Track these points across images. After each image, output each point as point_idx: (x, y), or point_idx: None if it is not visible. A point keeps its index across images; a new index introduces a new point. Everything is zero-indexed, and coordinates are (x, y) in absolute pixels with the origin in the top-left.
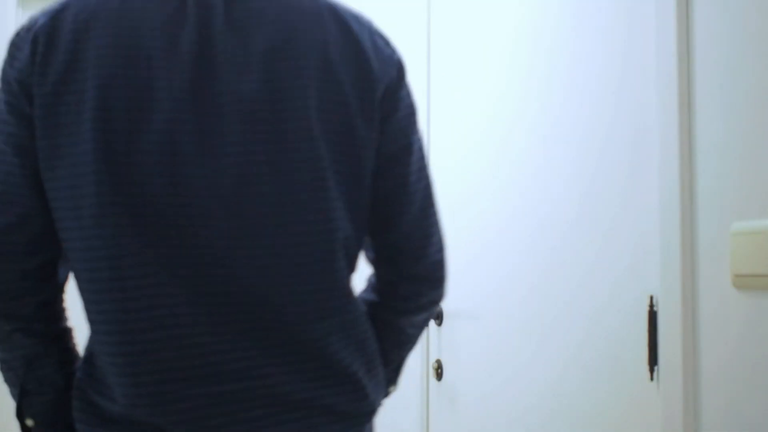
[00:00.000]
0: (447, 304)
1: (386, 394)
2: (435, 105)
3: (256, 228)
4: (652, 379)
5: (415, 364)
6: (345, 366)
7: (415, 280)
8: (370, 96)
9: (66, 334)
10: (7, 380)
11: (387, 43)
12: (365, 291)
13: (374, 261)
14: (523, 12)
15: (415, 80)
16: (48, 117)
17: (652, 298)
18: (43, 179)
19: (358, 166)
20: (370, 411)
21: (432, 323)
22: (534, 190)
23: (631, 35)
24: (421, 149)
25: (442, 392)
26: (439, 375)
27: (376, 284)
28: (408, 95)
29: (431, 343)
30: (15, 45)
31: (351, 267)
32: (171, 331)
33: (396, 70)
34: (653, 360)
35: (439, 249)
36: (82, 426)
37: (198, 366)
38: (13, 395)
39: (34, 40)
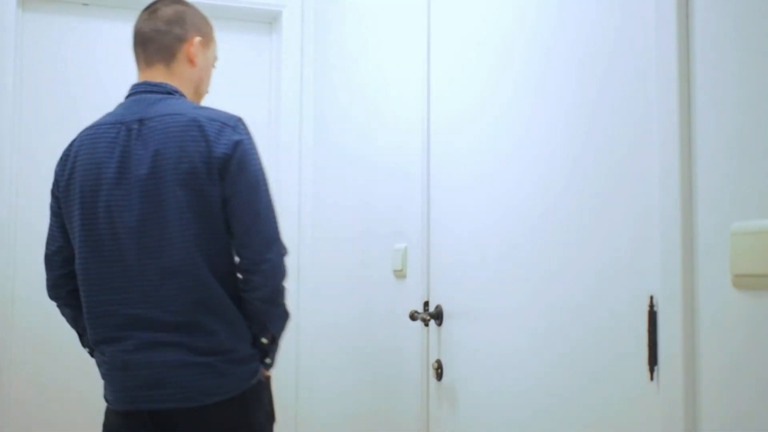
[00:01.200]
0: (447, 304)
1: (261, 342)
2: (434, 106)
3: (148, 248)
4: (652, 379)
5: (415, 364)
6: (207, 325)
7: (245, 272)
8: (211, 167)
9: None
10: (72, 327)
11: (234, 130)
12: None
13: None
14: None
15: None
16: (65, 199)
17: (652, 298)
18: (67, 229)
19: (207, 207)
20: (223, 350)
21: (432, 323)
22: (534, 190)
23: (630, 35)
24: (249, 192)
25: (442, 392)
26: (439, 375)
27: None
28: (238, 161)
29: (431, 343)
30: (59, 162)
31: (216, 268)
32: (111, 297)
33: (231, 148)
34: (653, 360)
35: (257, 253)
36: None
37: (122, 325)
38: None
39: (62, 159)
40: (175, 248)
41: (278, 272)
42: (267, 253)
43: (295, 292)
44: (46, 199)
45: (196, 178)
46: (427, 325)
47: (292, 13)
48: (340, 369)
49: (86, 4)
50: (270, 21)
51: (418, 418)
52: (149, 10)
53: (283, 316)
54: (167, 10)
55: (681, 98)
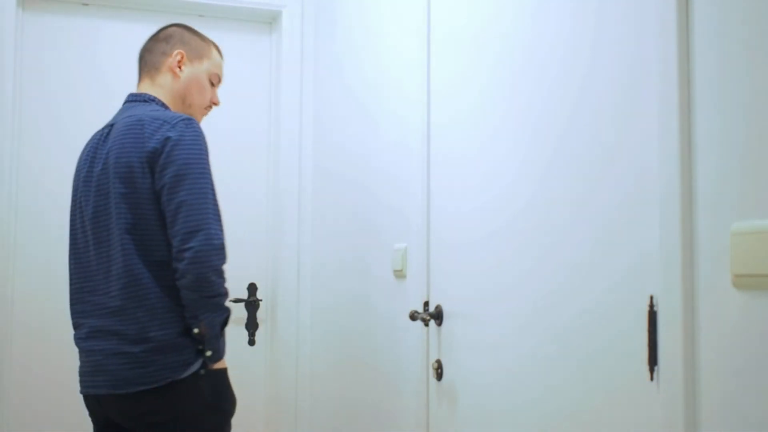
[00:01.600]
0: (447, 304)
1: (194, 332)
2: (435, 106)
3: (100, 238)
4: (652, 379)
5: (415, 364)
6: (133, 314)
7: (174, 260)
8: (143, 161)
9: None
10: None
11: (172, 127)
12: None
13: None
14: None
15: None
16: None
17: (652, 298)
18: None
19: (140, 199)
20: (147, 337)
21: (432, 323)
22: (534, 190)
23: (630, 35)
24: (174, 183)
25: (442, 392)
26: (439, 375)
27: None
28: (167, 154)
29: (431, 343)
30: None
31: (148, 257)
32: (82, 285)
33: (161, 143)
34: (653, 360)
35: (181, 241)
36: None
37: (85, 312)
38: None
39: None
40: (114, 237)
41: (202, 261)
42: (190, 241)
43: (295, 292)
44: (46, 200)
45: (131, 172)
46: (427, 325)
47: (292, 13)
48: (340, 368)
49: (86, 4)
50: (270, 21)
51: (418, 418)
52: (151, 36)
53: (213, 307)
54: (161, 34)
55: (681, 98)
